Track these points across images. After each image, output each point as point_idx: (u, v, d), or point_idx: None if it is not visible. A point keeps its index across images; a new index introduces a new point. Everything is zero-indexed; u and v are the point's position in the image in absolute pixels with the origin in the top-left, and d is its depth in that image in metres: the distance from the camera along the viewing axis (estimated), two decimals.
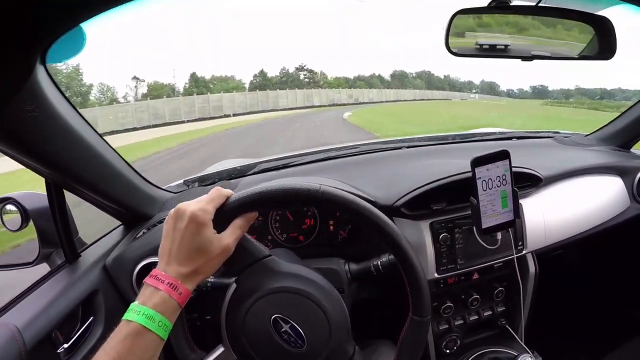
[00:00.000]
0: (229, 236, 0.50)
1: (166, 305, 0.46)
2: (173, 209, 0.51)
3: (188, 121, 21.50)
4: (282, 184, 0.52)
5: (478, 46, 0.87)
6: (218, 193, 0.52)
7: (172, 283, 0.46)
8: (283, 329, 0.54)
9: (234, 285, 0.57)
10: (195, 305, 0.58)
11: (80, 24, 0.52)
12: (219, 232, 0.50)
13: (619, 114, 1.19)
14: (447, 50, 0.76)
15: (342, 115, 19.50)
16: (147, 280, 0.47)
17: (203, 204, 0.50)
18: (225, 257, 0.51)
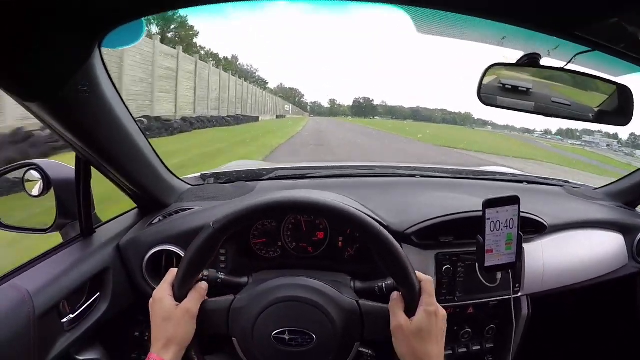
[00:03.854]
0: (188, 300, 0.58)
1: None
2: None
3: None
4: (188, 255, 0.58)
5: (501, 85, 0.91)
6: (170, 273, 0.61)
7: (152, 358, 0.55)
8: (287, 339, 0.57)
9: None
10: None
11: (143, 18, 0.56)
12: (180, 302, 0.58)
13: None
14: (477, 99, 0.79)
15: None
16: None
17: (159, 286, 0.60)
18: (191, 320, 0.57)
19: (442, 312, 0.56)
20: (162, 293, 0.58)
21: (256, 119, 18.16)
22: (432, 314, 0.54)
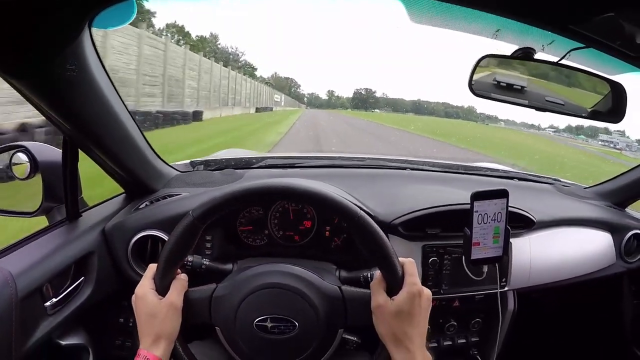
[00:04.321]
0: (171, 294, 0.58)
1: None
2: None
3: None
4: (168, 245, 0.57)
5: (495, 82, 0.90)
6: (149, 268, 0.61)
7: (143, 355, 0.55)
8: (270, 327, 0.57)
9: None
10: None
11: None
12: (164, 296, 0.58)
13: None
14: (469, 89, 0.79)
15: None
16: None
17: (141, 281, 0.59)
18: (176, 313, 0.57)
19: (427, 293, 0.55)
20: (144, 289, 0.58)
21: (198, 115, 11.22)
22: (415, 294, 0.54)
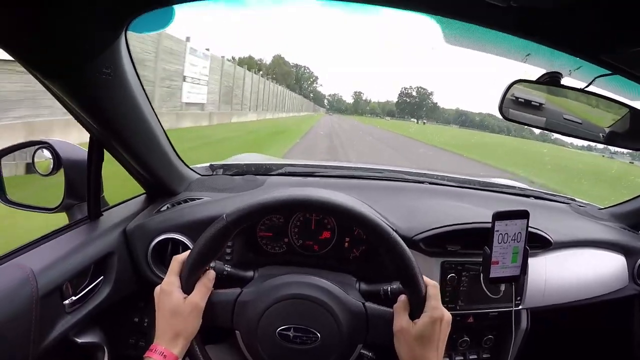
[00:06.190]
0: (195, 294, 0.58)
1: None
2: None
3: None
4: (198, 245, 0.57)
5: (514, 98, 0.91)
6: (175, 263, 0.60)
7: (159, 351, 0.55)
8: (292, 336, 0.58)
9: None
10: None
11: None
12: (189, 294, 0.58)
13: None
14: (499, 113, 0.80)
15: None
16: (146, 353, 0.55)
17: (166, 277, 0.59)
18: (198, 314, 0.58)
19: (447, 317, 0.56)
20: (171, 286, 0.58)
21: None
22: (437, 320, 0.55)
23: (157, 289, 0.59)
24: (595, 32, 0.49)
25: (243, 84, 15.05)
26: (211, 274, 0.61)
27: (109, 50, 0.56)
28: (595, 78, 0.69)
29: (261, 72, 20.60)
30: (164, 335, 0.56)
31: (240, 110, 14.89)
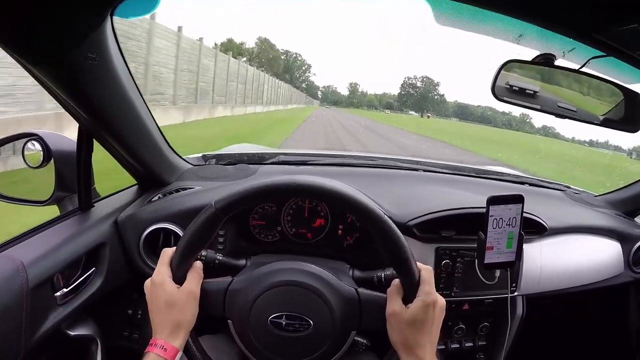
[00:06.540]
0: (189, 282, 0.57)
1: None
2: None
3: None
4: (188, 233, 0.57)
5: (508, 87, 0.91)
6: (164, 254, 0.59)
7: (159, 344, 0.53)
8: (284, 324, 0.57)
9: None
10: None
11: None
12: (181, 284, 0.57)
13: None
14: (491, 93, 0.79)
15: None
16: (147, 349, 0.54)
17: (157, 268, 0.58)
18: (195, 301, 0.57)
19: (441, 302, 0.56)
20: (162, 276, 0.56)
21: None
22: (430, 304, 0.54)
23: (147, 282, 0.57)
24: (587, 9, 0.48)
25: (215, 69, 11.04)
26: (198, 264, 0.60)
27: (94, 35, 0.55)
28: (589, 60, 0.69)
29: (244, 59, 17.87)
30: (163, 329, 0.54)
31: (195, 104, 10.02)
